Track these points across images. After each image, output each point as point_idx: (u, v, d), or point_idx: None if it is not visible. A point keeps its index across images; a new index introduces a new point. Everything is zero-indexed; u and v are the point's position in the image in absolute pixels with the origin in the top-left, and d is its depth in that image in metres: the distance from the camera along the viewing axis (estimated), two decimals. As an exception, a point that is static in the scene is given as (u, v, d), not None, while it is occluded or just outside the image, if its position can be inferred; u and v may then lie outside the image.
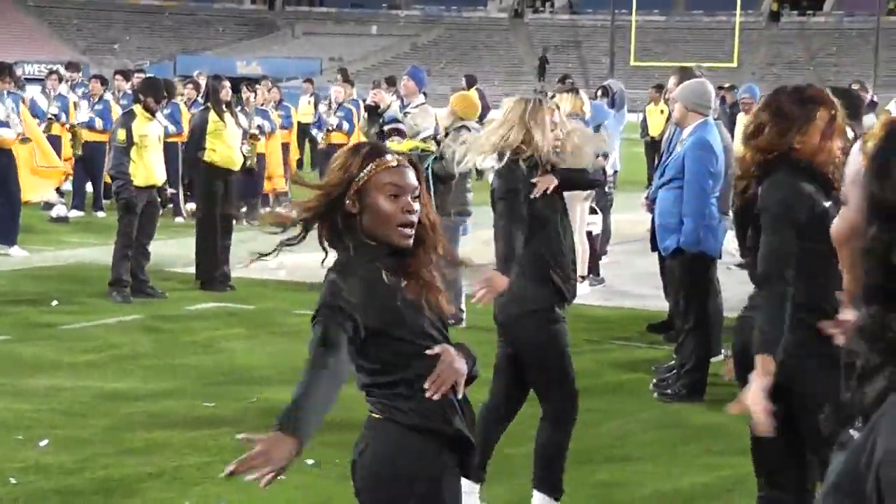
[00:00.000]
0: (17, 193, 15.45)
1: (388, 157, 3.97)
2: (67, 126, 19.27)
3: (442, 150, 11.19)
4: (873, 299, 2.61)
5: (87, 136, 19.23)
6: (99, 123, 19.18)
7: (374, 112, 13.18)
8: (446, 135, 11.58)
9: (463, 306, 11.16)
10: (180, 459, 7.34)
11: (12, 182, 15.35)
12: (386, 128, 12.45)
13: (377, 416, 3.93)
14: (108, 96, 20.03)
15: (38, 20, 79.79)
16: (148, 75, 16.11)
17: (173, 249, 15.13)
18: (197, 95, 19.72)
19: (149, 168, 12.71)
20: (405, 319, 3.87)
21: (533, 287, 6.47)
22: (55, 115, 19.26)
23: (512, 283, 6.32)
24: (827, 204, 4.99)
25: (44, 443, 7.65)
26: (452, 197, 11.37)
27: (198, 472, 7.16)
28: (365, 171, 3.92)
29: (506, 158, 6.55)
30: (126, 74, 21.42)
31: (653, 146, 22.55)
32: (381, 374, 3.88)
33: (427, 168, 11.05)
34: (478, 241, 11.83)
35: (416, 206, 3.92)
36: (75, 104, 19.90)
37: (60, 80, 20.89)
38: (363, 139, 14.35)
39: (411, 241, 3.93)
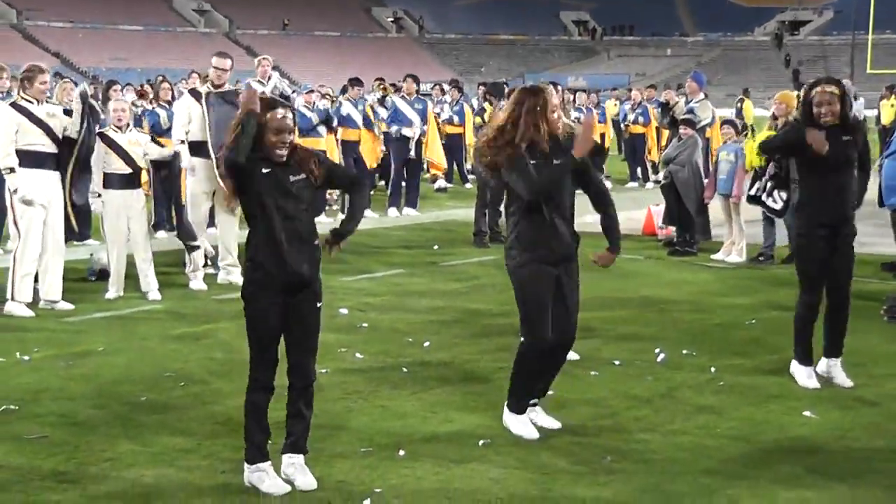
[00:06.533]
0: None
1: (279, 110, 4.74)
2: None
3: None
4: None
5: (448, 129, 19.00)
6: (456, 119, 19.13)
7: (665, 107, 12.77)
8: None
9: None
10: (522, 358, 7.28)
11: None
12: (680, 118, 12.02)
13: None
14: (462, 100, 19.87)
15: (430, 52, 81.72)
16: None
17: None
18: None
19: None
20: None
21: None
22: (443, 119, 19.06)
23: None
24: None
25: (426, 344, 7.78)
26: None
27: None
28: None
29: None
30: (485, 84, 21.66)
31: (884, 132, 21.08)
32: None
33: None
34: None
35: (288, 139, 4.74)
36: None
37: (443, 92, 21.06)
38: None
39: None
